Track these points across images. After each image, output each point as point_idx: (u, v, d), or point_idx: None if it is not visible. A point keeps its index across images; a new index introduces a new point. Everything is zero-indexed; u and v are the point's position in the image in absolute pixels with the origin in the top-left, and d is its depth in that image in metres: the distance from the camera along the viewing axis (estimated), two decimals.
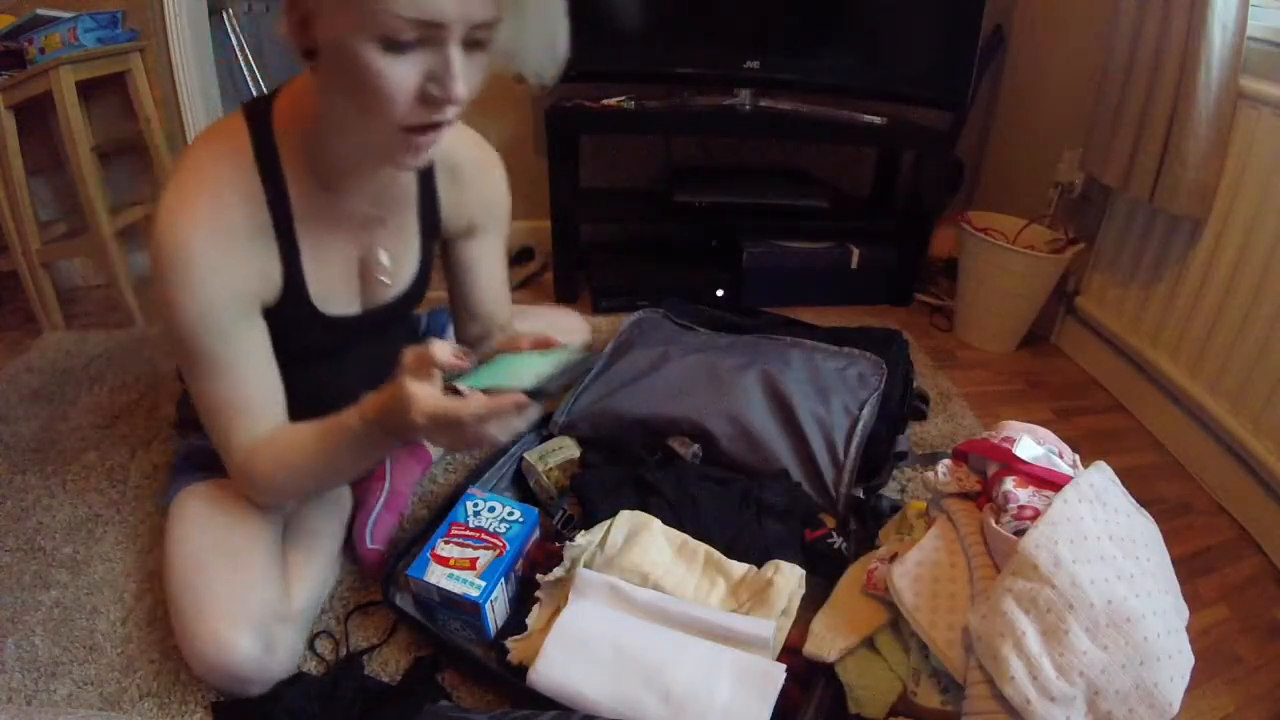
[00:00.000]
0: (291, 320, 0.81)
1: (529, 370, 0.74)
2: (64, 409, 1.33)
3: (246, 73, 2.30)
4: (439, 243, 0.97)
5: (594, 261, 1.88)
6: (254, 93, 2.34)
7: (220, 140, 0.74)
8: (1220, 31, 1.19)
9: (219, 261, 0.71)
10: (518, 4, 0.63)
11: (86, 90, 1.51)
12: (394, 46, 0.60)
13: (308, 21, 0.62)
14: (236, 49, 2.24)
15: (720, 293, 1.81)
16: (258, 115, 0.75)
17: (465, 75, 0.63)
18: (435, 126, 0.67)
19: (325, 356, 0.90)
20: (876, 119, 1.77)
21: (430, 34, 0.60)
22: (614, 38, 1.69)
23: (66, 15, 1.45)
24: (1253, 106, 1.22)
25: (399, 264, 0.91)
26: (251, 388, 0.79)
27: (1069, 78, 1.70)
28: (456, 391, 0.71)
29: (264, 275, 0.77)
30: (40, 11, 1.44)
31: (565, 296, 1.84)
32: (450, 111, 0.65)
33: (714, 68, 1.73)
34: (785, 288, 1.85)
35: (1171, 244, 1.41)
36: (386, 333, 0.96)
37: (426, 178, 0.90)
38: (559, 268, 1.81)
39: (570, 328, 1.38)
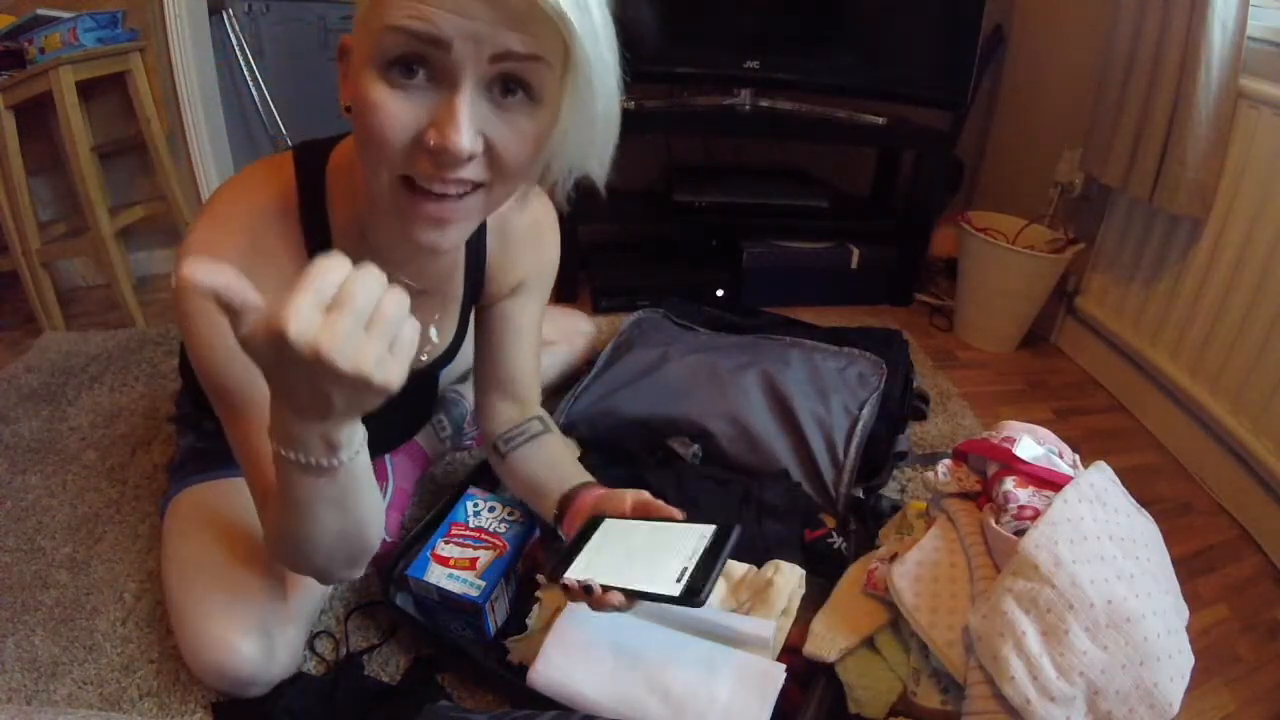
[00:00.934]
0: None
1: (669, 566, 0.66)
2: (64, 409, 1.33)
3: (246, 73, 2.29)
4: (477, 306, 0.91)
5: (594, 261, 1.88)
6: (254, 93, 2.33)
7: (265, 190, 0.67)
8: (1220, 31, 1.19)
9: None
10: (567, 42, 0.52)
11: (86, 90, 1.51)
12: (396, 78, 0.51)
13: (349, 73, 0.56)
14: (236, 49, 2.24)
15: (720, 293, 1.81)
16: (311, 168, 0.68)
17: (491, 127, 0.53)
18: (447, 193, 0.55)
19: None
20: (876, 119, 1.77)
21: (437, 59, 0.50)
22: None
23: (66, 15, 1.45)
24: (1253, 106, 1.22)
25: (440, 335, 0.87)
26: None
27: (1069, 78, 1.70)
28: (588, 590, 0.67)
29: None
30: (40, 11, 1.44)
31: (565, 296, 1.83)
32: (462, 169, 0.53)
33: (714, 68, 1.73)
34: (785, 288, 1.85)
35: (1171, 244, 1.41)
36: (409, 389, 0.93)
37: (477, 236, 0.81)
38: (559, 268, 1.81)
39: (577, 329, 1.38)
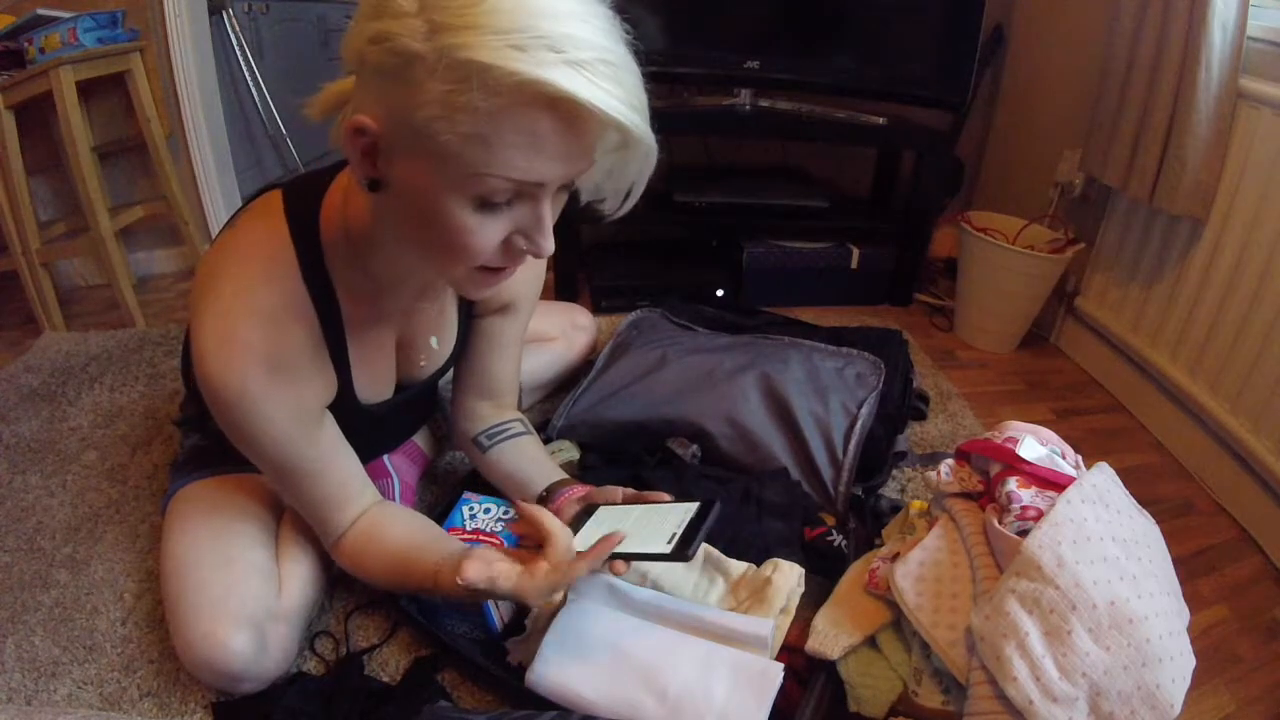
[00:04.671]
0: (334, 414, 0.80)
1: (660, 533, 0.76)
2: (64, 409, 1.33)
3: (246, 73, 2.30)
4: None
5: (594, 261, 1.88)
6: (254, 93, 2.33)
7: (264, 255, 0.69)
8: (1220, 31, 1.19)
9: (284, 390, 0.70)
10: (614, 157, 0.60)
11: (86, 90, 1.51)
12: (489, 206, 0.56)
13: (374, 152, 0.57)
14: (236, 49, 2.24)
15: (720, 293, 1.81)
16: (303, 223, 0.70)
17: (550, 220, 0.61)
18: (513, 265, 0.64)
19: (348, 434, 0.86)
20: (876, 119, 1.77)
21: (528, 190, 0.57)
22: None
23: (66, 15, 1.45)
24: (1253, 106, 1.22)
25: (440, 343, 0.91)
26: (337, 482, 0.80)
27: (1069, 78, 1.70)
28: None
29: (323, 385, 0.76)
30: (40, 11, 1.44)
31: (565, 297, 1.83)
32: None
33: (714, 68, 1.73)
34: (785, 288, 1.85)
35: (1171, 244, 1.41)
36: (411, 400, 0.95)
37: None
38: (559, 268, 1.81)
39: (575, 323, 1.38)
